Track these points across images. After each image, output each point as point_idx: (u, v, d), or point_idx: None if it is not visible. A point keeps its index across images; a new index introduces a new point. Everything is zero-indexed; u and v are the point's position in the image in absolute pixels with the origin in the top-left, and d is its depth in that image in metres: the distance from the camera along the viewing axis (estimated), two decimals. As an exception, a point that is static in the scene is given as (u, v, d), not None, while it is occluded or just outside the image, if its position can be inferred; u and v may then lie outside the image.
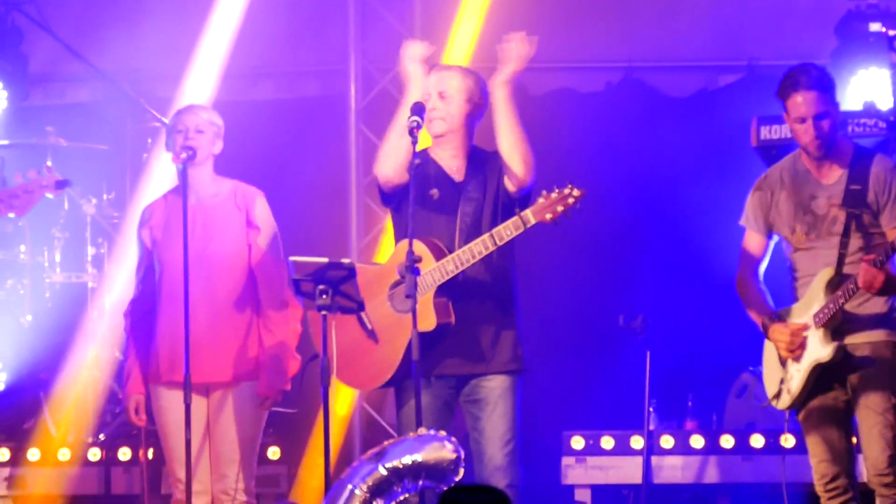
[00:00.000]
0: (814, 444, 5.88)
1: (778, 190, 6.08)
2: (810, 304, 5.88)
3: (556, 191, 5.64)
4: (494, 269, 5.82)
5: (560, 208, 5.66)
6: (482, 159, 5.91)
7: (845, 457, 5.87)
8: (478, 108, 5.84)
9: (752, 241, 6.13)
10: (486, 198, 5.93)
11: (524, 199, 5.88)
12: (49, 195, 5.79)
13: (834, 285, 5.79)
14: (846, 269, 5.84)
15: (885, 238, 5.93)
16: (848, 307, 5.80)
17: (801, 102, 5.80)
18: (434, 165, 5.91)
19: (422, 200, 5.80)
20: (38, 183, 5.65)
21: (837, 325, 5.79)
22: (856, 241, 5.83)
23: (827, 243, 5.92)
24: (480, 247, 5.69)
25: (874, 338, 5.78)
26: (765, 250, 6.11)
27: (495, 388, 5.75)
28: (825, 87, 5.87)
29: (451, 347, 5.70)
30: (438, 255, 5.65)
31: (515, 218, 5.64)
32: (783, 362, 5.97)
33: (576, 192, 5.61)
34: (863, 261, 5.73)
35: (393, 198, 5.92)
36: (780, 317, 5.96)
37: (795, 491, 6.70)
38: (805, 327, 5.88)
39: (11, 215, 5.91)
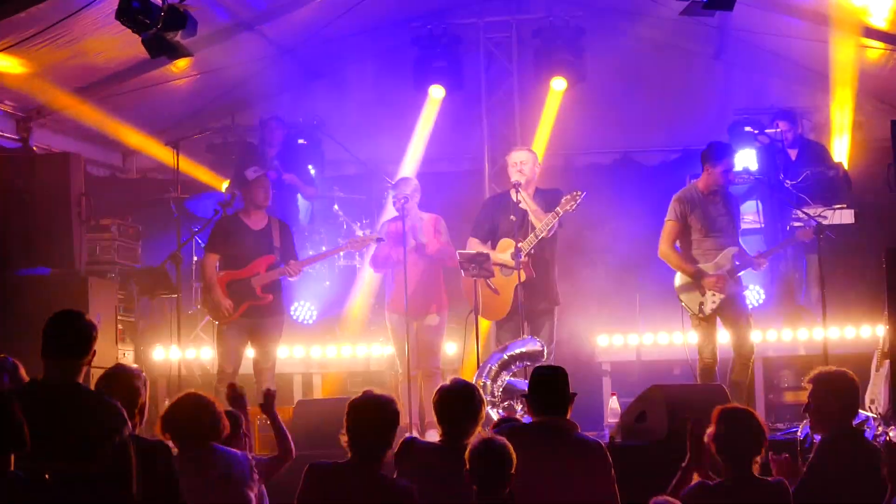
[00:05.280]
0: (704, 338, 7.93)
1: (693, 203, 7.86)
2: (721, 265, 7.78)
3: (571, 193, 7.77)
4: (544, 265, 7.98)
5: (574, 203, 7.70)
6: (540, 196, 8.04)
7: (715, 345, 7.91)
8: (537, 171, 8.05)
9: (675, 229, 7.84)
10: (536, 216, 7.83)
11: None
12: (372, 243, 8.56)
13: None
14: None
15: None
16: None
17: (727, 163, 7.89)
18: (513, 203, 8.03)
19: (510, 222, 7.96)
20: (369, 237, 8.68)
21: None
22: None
23: (720, 236, 7.94)
24: (547, 223, 7.72)
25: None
26: (679, 233, 7.86)
27: (545, 315, 8.01)
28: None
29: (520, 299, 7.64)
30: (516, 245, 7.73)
31: (552, 213, 7.80)
32: (702, 293, 7.76)
33: (578, 194, 7.74)
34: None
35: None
36: (701, 270, 7.82)
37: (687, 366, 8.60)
38: (724, 277, 7.80)
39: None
